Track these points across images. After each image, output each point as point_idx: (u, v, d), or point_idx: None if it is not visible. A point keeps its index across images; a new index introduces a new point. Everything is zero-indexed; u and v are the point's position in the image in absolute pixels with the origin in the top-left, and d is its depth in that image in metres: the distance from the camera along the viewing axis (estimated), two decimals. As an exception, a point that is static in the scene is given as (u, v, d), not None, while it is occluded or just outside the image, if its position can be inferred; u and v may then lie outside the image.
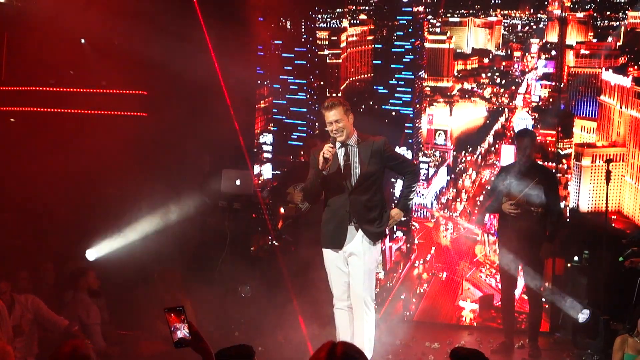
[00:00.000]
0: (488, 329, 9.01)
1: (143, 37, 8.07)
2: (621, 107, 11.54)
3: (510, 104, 12.51)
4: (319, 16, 12.56)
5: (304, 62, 12.49)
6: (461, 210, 12.27)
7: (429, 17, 12.75)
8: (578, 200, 11.42)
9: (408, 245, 12.34)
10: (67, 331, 6.95)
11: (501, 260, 7.59)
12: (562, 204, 10.61)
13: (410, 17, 12.36)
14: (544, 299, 8.11)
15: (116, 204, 8.39)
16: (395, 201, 6.35)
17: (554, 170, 10.54)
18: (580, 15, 12.32)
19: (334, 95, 12.28)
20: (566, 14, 12.26)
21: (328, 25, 12.48)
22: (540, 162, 9.97)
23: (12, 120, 8.78)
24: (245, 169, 8.44)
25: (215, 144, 8.43)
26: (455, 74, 12.67)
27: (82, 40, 8.54)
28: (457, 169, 12.48)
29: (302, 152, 11.81)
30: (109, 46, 8.35)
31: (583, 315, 7.68)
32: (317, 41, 12.38)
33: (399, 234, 11.83)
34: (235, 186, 7.94)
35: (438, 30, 12.78)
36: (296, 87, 12.56)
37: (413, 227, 12.09)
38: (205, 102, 8.58)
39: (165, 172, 8.47)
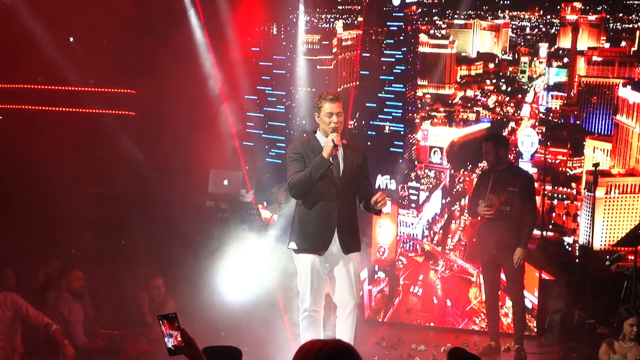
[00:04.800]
0: (474, 332, 10.84)
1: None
2: (641, 130, 11.89)
3: (516, 114, 13.03)
4: (323, 16, 13.20)
5: (284, 72, 13.09)
6: (455, 243, 12.35)
7: (435, 17, 13.36)
8: (589, 236, 11.51)
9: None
10: (47, 330, 8.55)
11: (482, 262, 9.49)
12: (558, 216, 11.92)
13: (402, 24, 12.83)
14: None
15: (104, 203, 10.32)
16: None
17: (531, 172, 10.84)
18: (592, 17, 12.98)
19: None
20: (577, 16, 12.97)
21: (331, 25, 13.17)
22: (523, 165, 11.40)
23: (-1, 117, 10.81)
24: (233, 170, 10.29)
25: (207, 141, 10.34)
26: (458, 79, 13.26)
27: (71, 39, 10.47)
28: (454, 190, 12.70)
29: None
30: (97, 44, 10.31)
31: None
32: (308, 45, 12.97)
33: (381, 274, 11.84)
34: (223, 186, 9.84)
35: (444, 32, 13.36)
36: (275, 99, 13.20)
37: (400, 263, 12.15)
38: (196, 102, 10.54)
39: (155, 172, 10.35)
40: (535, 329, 10.55)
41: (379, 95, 12.73)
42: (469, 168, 12.44)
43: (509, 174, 9.39)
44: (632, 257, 9.56)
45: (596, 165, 10.26)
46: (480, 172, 10.29)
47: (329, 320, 7.97)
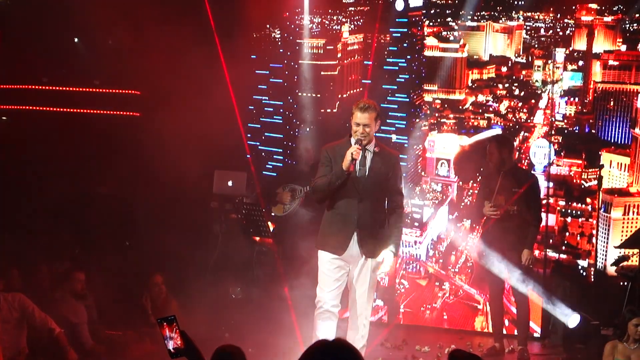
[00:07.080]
0: (478, 334, 11.81)
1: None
2: (662, 144, 12.19)
3: (529, 121, 13.35)
4: (334, 17, 13.52)
5: (281, 81, 13.46)
6: (461, 265, 12.62)
7: (448, 19, 13.67)
8: (605, 259, 11.82)
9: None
10: (50, 334, 9.47)
11: (487, 263, 10.55)
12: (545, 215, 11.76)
13: (406, 30, 13.21)
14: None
15: (110, 204, 11.42)
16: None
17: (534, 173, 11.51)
18: (608, 19, 13.30)
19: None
20: (592, 18, 13.33)
21: (341, 27, 13.48)
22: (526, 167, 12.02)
23: (4, 118, 11.85)
24: (237, 170, 11.31)
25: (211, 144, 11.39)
26: (470, 84, 13.59)
27: (76, 39, 11.60)
28: (462, 204, 13.00)
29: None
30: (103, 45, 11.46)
31: (573, 320, 10.46)
32: (312, 50, 13.31)
33: (379, 302, 12.17)
34: (227, 187, 10.87)
35: (455, 34, 13.67)
36: (272, 110, 13.58)
37: (401, 287, 12.46)
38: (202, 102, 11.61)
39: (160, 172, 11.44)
40: (540, 331, 11.43)
41: (382, 105, 12.47)
42: (478, 179, 12.52)
43: (514, 175, 10.32)
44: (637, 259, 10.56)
45: (601, 167, 11.09)
46: (485, 174, 11.17)
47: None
